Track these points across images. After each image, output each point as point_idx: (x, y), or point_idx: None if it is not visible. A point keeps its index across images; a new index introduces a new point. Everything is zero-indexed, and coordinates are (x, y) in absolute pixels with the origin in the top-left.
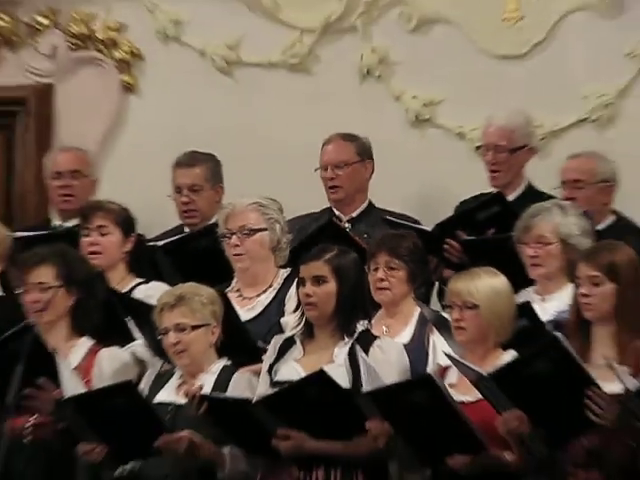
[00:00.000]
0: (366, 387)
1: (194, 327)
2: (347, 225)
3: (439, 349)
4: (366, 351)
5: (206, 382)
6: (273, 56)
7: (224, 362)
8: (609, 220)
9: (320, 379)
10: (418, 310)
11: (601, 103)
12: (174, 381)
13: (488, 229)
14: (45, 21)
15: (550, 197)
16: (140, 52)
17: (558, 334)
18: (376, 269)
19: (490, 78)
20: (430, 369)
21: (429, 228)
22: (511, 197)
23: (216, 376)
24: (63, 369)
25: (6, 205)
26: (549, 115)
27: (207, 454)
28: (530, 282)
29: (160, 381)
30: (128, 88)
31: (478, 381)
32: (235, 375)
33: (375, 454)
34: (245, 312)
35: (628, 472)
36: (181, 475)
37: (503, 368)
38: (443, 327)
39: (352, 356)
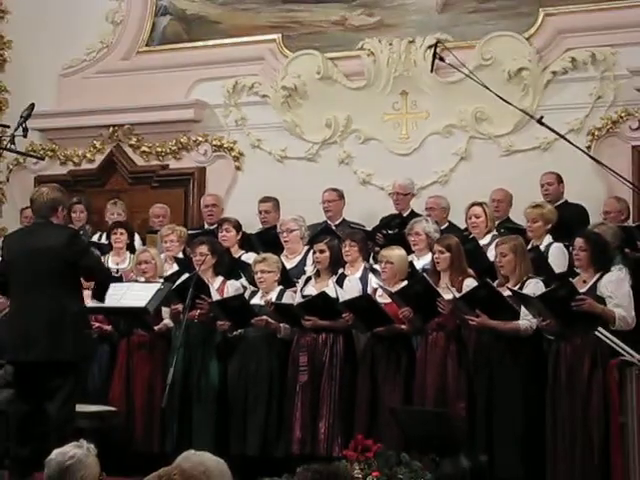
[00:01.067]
0: (342, 299)
1: (269, 272)
2: (335, 227)
3: (373, 282)
4: (342, 282)
5: (273, 296)
6: (301, 155)
7: (280, 287)
8: (447, 224)
9: (323, 295)
10: (363, 265)
11: (442, 175)
12: (259, 295)
13: (395, 229)
14: None
15: (418, 215)
16: None
17: (424, 274)
18: (344, 246)
19: (395, 164)
20: (369, 290)
21: (369, 229)
22: (405, 214)
23: (276, 293)
24: (212, 290)
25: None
26: (419, 180)
27: (274, 326)
28: (412, 252)
29: (253, 295)
30: None
31: (392, 295)
32: (285, 292)
33: (348, 328)
34: (289, 264)
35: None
36: (263, 335)
37: (401, 289)
38: (375, 273)
39: (338, 283)
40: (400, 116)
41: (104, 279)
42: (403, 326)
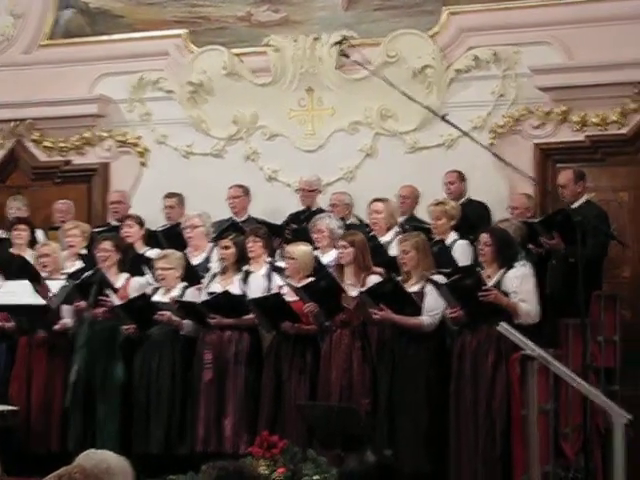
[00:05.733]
0: (250, 296)
1: (169, 269)
2: (241, 223)
3: (277, 279)
4: (246, 279)
5: (175, 293)
6: (207, 150)
7: (183, 284)
8: (352, 220)
9: (226, 293)
10: (268, 260)
11: (347, 171)
12: (161, 292)
13: (304, 222)
14: None
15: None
16: None
17: (330, 270)
18: (248, 242)
19: (301, 160)
20: (273, 287)
21: (279, 223)
22: (314, 208)
23: (180, 290)
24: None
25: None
26: (325, 176)
27: (176, 323)
28: (317, 248)
29: (155, 292)
30: None
31: (296, 290)
32: (188, 290)
33: (254, 325)
34: (194, 260)
35: (364, 331)
36: (166, 332)
37: (306, 285)
38: (278, 269)
39: (243, 281)
40: (306, 113)
41: None
42: (309, 327)
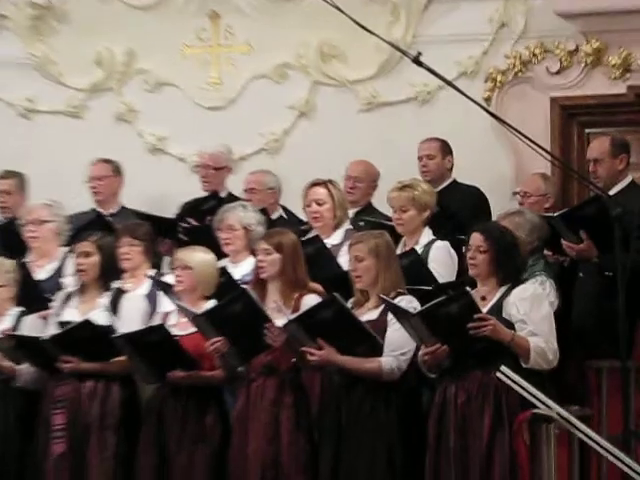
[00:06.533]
0: (121, 329)
1: None
2: (110, 218)
3: (165, 301)
4: (117, 302)
5: (6, 323)
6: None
7: (19, 309)
8: (277, 213)
9: (87, 323)
10: (150, 273)
11: (272, 139)
12: None
13: (207, 216)
14: None
15: (238, 198)
16: None
17: (246, 287)
18: (122, 246)
19: (202, 122)
20: (157, 315)
21: (169, 216)
22: (222, 195)
23: (12, 319)
24: None
25: None
26: (239, 147)
27: (8, 370)
28: (225, 255)
29: None
30: None
31: (193, 319)
32: (27, 318)
33: (129, 371)
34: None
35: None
36: None
37: (209, 311)
38: (164, 286)
39: (112, 304)
40: (208, 50)
41: None
42: (211, 374)
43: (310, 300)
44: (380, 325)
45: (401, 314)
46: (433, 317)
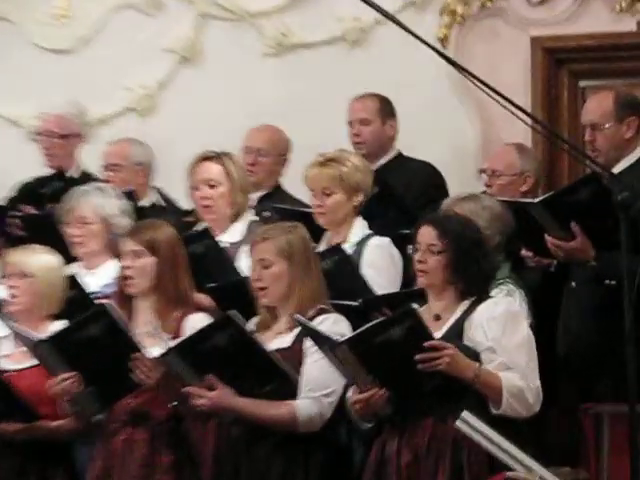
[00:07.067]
0: None
1: None
2: None
3: None
4: None
5: None
6: None
7: None
8: (150, 198)
9: None
10: None
11: (143, 94)
12: None
13: (50, 202)
14: None
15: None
16: None
17: (106, 303)
18: None
19: (43, 70)
20: None
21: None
22: (74, 174)
23: None
24: None
25: None
26: (96, 105)
27: None
28: (74, 258)
29: None
30: None
31: (34, 347)
32: None
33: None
34: None
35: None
36: None
37: (52, 337)
38: None
39: None
40: None
41: None
42: (58, 423)
43: (196, 321)
44: (294, 355)
45: (323, 341)
46: (367, 346)
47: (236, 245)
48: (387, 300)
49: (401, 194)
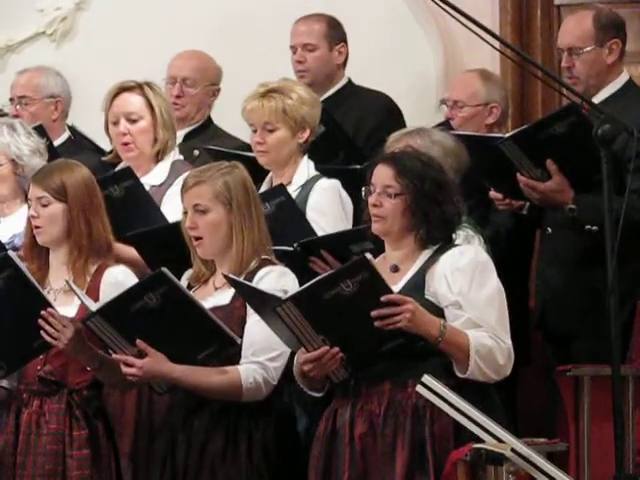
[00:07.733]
0: None
1: None
2: None
3: None
4: None
5: None
6: None
7: None
8: (64, 136)
9: None
10: None
11: (57, 17)
12: None
13: None
14: None
15: None
16: None
17: (10, 252)
18: None
19: None
20: None
21: None
22: None
23: None
24: None
25: None
26: (4, 29)
27: None
28: None
29: None
30: None
31: None
32: None
33: None
34: None
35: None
36: None
37: None
38: None
39: None
40: None
41: None
42: None
43: (117, 274)
44: (236, 314)
45: (264, 301)
46: (316, 303)
47: (160, 187)
48: (326, 243)
49: (352, 130)
